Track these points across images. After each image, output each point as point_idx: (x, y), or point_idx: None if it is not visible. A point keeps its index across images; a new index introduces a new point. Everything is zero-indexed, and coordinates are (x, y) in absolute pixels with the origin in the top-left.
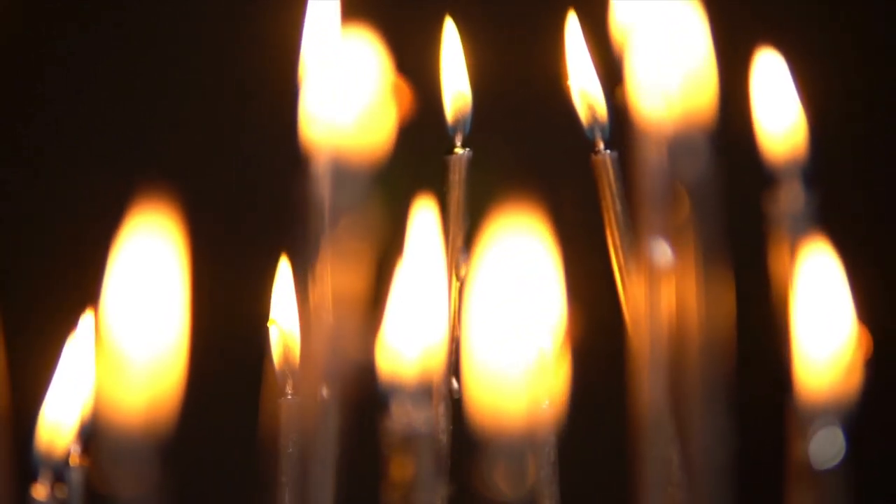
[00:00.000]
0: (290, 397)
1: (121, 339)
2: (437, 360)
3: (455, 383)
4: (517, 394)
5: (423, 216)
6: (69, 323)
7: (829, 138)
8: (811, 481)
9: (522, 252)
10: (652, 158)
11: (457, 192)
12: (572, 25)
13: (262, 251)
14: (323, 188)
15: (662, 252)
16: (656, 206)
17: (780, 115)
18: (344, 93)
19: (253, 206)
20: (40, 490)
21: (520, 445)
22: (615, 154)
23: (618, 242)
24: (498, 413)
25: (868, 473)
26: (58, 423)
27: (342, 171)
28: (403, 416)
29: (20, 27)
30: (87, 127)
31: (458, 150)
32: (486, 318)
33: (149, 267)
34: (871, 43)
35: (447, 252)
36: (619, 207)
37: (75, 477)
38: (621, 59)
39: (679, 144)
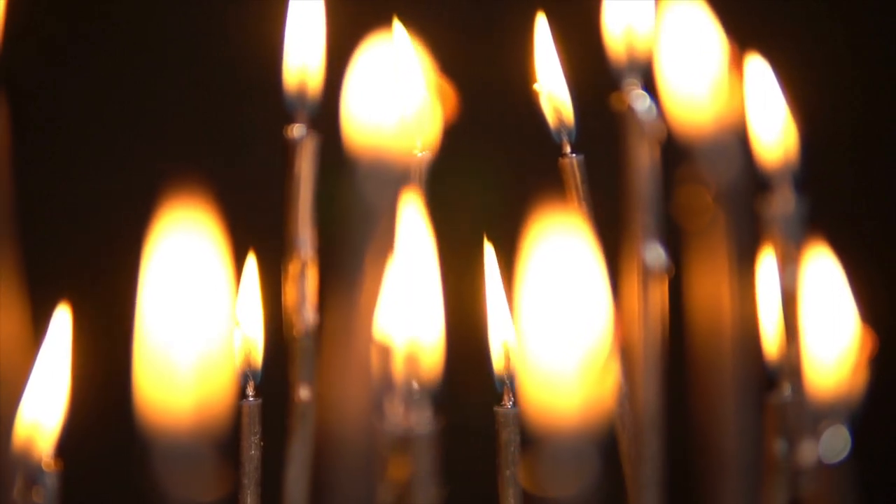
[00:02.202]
0: (251, 400)
1: (165, 341)
2: (427, 359)
3: (415, 384)
4: (571, 394)
5: (412, 213)
6: (46, 321)
7: (821, 141)
8: (785, 477)
9: (568, 254)
10: (645, 161)
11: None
12: (541, 28)
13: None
14: (365, 189)
15: (656, 255)
16: (650, 208)
17: (771, 120)
18: (387, 94)
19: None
20: (17, 494)
21: (573, 445)
22: (581, 157)
23: None
24: (551, 413)
25: (872, 470)
26: (34, 425)
27: (383, 172)
28: (399, 417)
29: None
30: (86, 129)
31: (417, 154)
32: (538, 320)
33: (190, 267)
34: (862, 46)
35: None
36: (585, 210)
37: (50, 481)
38: (616, 62)
39: (709, 147)
